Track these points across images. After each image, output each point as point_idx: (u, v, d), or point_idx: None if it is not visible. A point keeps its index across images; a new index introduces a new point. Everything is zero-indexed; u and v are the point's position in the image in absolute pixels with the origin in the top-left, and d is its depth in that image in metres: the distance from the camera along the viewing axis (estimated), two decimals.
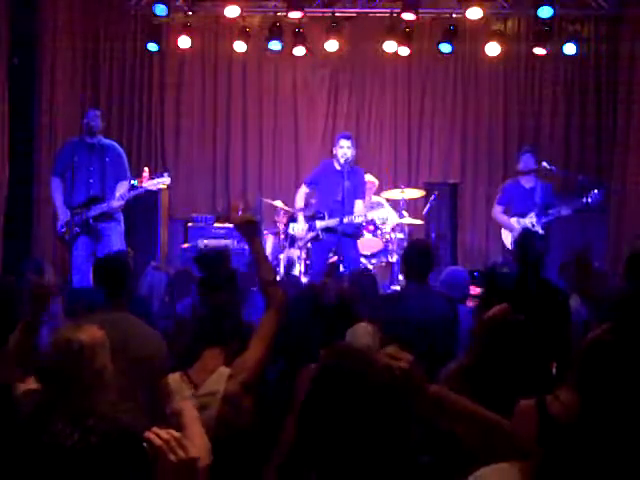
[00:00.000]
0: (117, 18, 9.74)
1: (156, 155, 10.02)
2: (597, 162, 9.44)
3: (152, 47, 9.16)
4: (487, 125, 9.82)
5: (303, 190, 7.31)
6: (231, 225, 8.80)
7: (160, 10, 8.51)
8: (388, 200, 8.52)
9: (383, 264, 8.23)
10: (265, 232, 8.67)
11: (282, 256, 8.13)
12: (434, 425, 1.95)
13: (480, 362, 2.73)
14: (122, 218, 6.90)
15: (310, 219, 7.19)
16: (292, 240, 7.63)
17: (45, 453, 2.03)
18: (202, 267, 4.93)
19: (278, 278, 7.30)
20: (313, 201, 7.38)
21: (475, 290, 6.14)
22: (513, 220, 7.55)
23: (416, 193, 8.85)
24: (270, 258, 8.33)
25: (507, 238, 7.65)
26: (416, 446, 1.56)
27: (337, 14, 9.14)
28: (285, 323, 3.63)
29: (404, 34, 8.82)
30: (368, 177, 8.10)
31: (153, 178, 6.91)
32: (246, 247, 7.00)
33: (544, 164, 7.63)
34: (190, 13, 9.18)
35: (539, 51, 8.95)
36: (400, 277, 7.85)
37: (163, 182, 6.81)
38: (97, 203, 6.66)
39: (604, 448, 1.50)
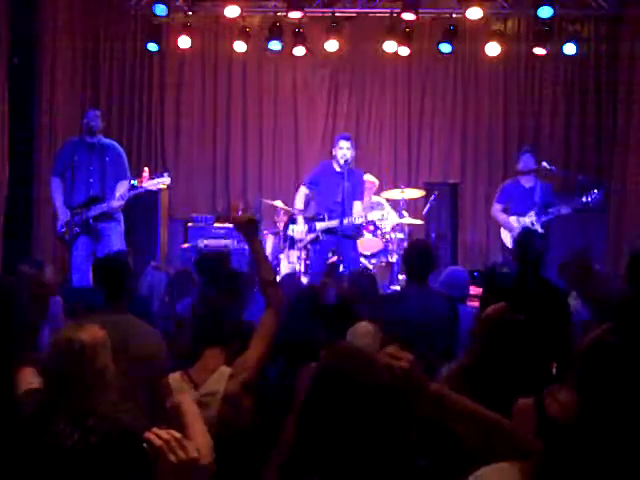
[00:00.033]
0: (117, 18, 9.74)
1: (156, 155, 10.02)
2: (597, 162, 9.44)
3: (152, 47, 9.16)
4: (487, 125, 9.82)
5: (303, 191, 7.30)
6: (231, 225, 8.82)
7: (160, 10, 8.51)
8: (388, 200, 8.51)
9: (383, 264, 8.22)
10: (265, 232, 8.66)
11: (282, 256, 8.13)
12: (434, 425, 1.95)
13: (479, 362, 2.73)
14: (122, 218, 6.90)
15: (310, 220, 7.18)
16: (292, 241, 7.62)
17: (46, 453, 2.03)
18: (202, 271, 4.93)
19: (278, 278, 7.31)
20: (312, 202, 7.37)
21: (475, 290, 6.15)
22: (512, 219, 7.55)
23: (416, 193, 8.85)
24: (270, 258, 8.34)
25: (506, 237, 7.65)
26: (416, 446, 1.56)
27: (337, 14, 9.13)
28: (286, 322, 3.64)
29: (404, 34, 8.82)
30: (368, 177, 8.09)
31: (153, 178, 6.90)
32: (246, 247, 6.99)
33: (544, 164, 7.63)
34: (190, 13, 9.18)
35: (539, 51, 8.95)
36: (400, 277, 7.86)
37: (163, 182, 6.81)
38: (97, 203, 6.65)
39: (603, 448, 1.50)
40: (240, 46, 9.26)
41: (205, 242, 8.47)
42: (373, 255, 8.12)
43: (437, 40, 8.97)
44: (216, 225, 8.98)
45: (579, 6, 9.14)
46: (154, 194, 8.73)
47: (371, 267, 7.87)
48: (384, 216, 7.24)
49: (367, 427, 1.47)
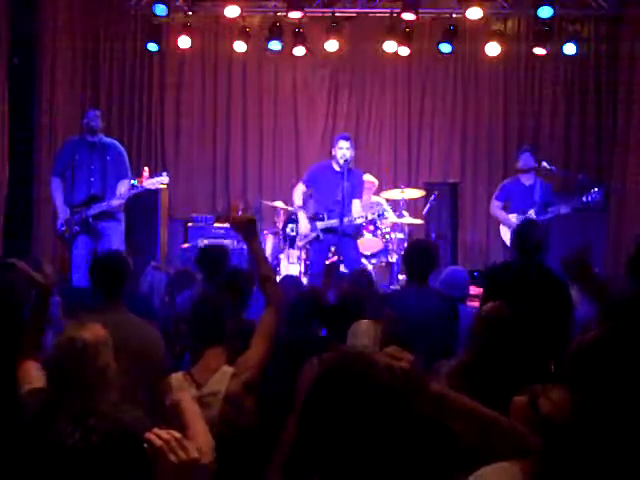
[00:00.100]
0: (117, 18, 9.75)
1: (156, 155, 10.03)
2: (597, 162, 9.45)
3: (152, 47, 9.16)
4: (487, 125, 9.82)
5: (300, 188, 7.27)
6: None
7: (160, 10, 8.51)
8: (388, 200, 8.51)
9: (383, 264, 8.23)
10: (265, 232, 8.67)
11: (282, 256, 8.13)
12: (435, 424, 1.95)
13: (478, 360, 2.74)
14: (124, 218, 6.89)
15: (310, 220, 7.17)
16: (292, 240, 7.62)
17: (48, 452, 2.03)
18: (203, 266, 4.93)
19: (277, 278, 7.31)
20: (311, 201, 7.36)
21: (475, 290, 6.15)
22: (512, 216, 7.56)
23: (416, 193, 8.85)
24: (270, 258, 8.34)
25: (506, 235, 7.65)
26: (416, 446, 1.56)
27: (337, 14, 9.14)
28: (286, 322, 3.64)
29: (404, 34, 8.82)
30: (367, 177, 8.09)
31: (152, 177, 6.90)
32: (246, 247, 6.99)
33: (544, 164, 7.64)
34: (190, 13, 9.18)
35: (539, 51, 8.95)
36: (400, 277, 7.86)
37: (161, 181, 6.80)
38: (97, 202, 6.65)
39: (598, 447, 1.51)
40: (240, 46, 9.26)
41: (205, 242, 8.46)
42: (373, 255, 8.11)
43: (437, 40, 8.97)
44: (216, 225, 8.99)
45: (579, 6, 9.14)
46: (154, 194, 8.74)
47: (371, 267, 7.87)
48: (383, 210, 7.22)
49: (367, 427, 1.48)
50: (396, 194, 8.54)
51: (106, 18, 9.68)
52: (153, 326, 3.74)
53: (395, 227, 8.30)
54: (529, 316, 3.70)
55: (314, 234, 7.10)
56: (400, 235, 8.27)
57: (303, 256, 7.82)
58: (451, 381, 2.53)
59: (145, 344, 3.52)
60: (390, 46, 8.91)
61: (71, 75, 9.01)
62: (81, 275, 6.45)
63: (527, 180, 7.60)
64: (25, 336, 2.98)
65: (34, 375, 2.71)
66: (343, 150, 6.86)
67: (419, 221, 8.59)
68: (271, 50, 9.13)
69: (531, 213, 7.44)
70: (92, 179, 6.75)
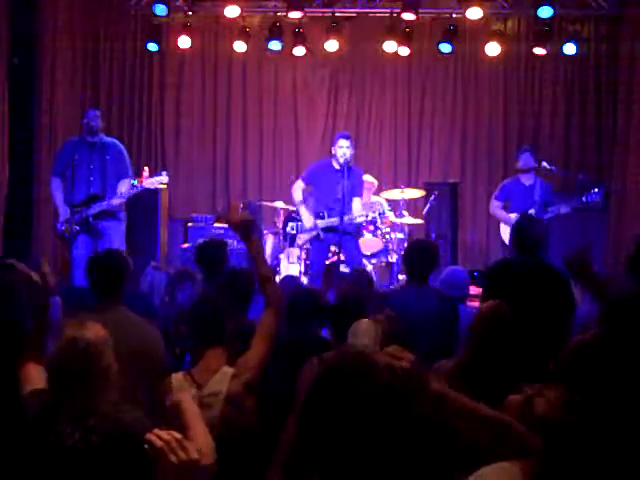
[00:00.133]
0: (117, 18, 9.74)
1: (156, 155, 10.03)
2: (597, 162, 9.45)
3: (152, 47, 9.16)
4: (487, 125, 9.82)
5: (299, 185, 7.26)
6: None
7: (160, 10, 8.51)
8: (388, 200, 8.51)
9: (383, 264, 8.23)
10: (265, 232, 8.67)
11: (282, 256, 8.13)
12: (434, 424, 1.95)
13: (476, 359, 2.74)
14: (125, 217, 6.89)
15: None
16: (292, 239, 7.60)
17: (50, 453, 2.03)
18: (202, 261, 4.92)
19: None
20: (311, 199, 7.34)
21: (475, 290, 6.15)
22: (512, 216, 7.55)
23: (416, 193, 8.85)
24: (270, 258, 8.34)
25: (506, 234, 7.65)
26: (416, 446, 1.56)
27: (337, 14, 9.13)
28: (286, 322, 3.64)
29: (404, 34, 8.82)
30: (367, 177, 8.09)
31: (152, 177, 6.90)
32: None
33: (544, 164, 7.64)
34: (190, 13, 9.18)
35: (539, 51, 8.95)
36: (400, 277, 7.86)
37: (161, 181, 6.80)
38: (97, 201, 6.65)
39: (597, 447, 1.51)
40: (240, 46, 9.26)
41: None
42: (373, 255, 8.11)
43: (437, 40, 8.97)
44: (216, 225, 8.99)
45: (579, 6, 9.14)
46: (154, 194, 8.73)
47: (371, 267, 7.87)
48: (384, 210, 7.21)
49: (368, 427, 1.48)
50: (396, 194, 8.54)
51: (106, 18, 9.68)
52: (153, 325, 3.73)
53: (395, 227, 8.30)
54: (530, 314, 3.70)
55: (315, 232, 7.10)
56: (400, 235, 8.27)
57: (303, 256, 7.81)
58: (450, 381, 2.53)
59: (144, 343, 3.51)
60: (390, 46, 8.91)
61: (71, 75, 9.01)
62: (81, 275, 6.42)
63: (527, 180, 7.60)
64: (27, 338, 2.95)
65: (36, 377, 2.69)
66: (343, 149, 6.85)
67: (419, 221, 8.59)
68: (271, 50, 9.13)
69: (531, 213, 7.44)
70: (92, 178, 6.74)
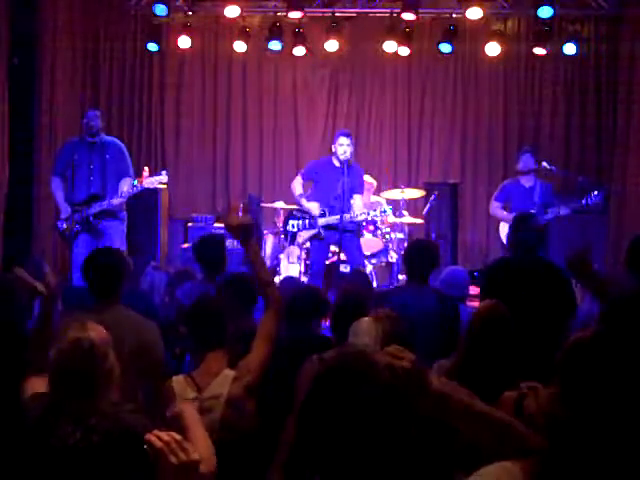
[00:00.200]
0: (117, 18, 9.74)
1: (156, 155, 10.02)
2: (597, 163, 9.44)
3: (152, 47, 9.16)
4: (487, 125, 9.82)
5: (298, 181, 7.26)
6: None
7: (160, 10, 8.51)
8: (388, 200, 8.51)
9: (383, 264, 8.23)
10: (265, 232, 8.67)
11: (282, 256, 8.13)
12: (435, 424, 1.95)
13: (472, 358, 2.74)
14: (126, 217, 6.89)
15: (311, 217, 7.16)
16: (292, 237, 7.59)
17: (51, 453, 2.03)
18: (201, 258, 4.91)
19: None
20: (309, 196, 7.34)
21: (475, 290, 6.15)
22: (511, 217, 7.54)
23: (416, 193, 8.85)
24: (270, 258, 8.34)
25: (504, 232, 7.64)
26: (416, 445, 1.55)
27: (337, 14, 9.13)
28: (286, 322, 3.63)
29: (404, 34, 8.82)
30: (366, 178, 8.08)
31: (152, 177, 6.89)
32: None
33: (544, 164, 7.63)
34: (190, 13, 9.18)
35: (539, 51, 8.95)
36: (400, 277, 7.86)
37: (161, 180, 6.79)
38: (97, 201, 6.64)
39: (594, 446, 1.51)
40: (240, 46, 9.26)
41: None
42: (373, 255, 8.11)
43: (437, 40, 8.97)
44: (216, 225, 8.99)
45: (579, 6, 9.14)
46: (154, 194, 8.74)
47: (371, 267, 7.87)
48: (384, 210, 7.21)
49: (368, 427, 1.47)
50: (396, 194, 8.54)
51: (106, 18, 9.68)
52: (152, 322, 3.70)
53: (395, 227, 8.30)
54: (530, 312, 3.70)
55: (315, 230, 7.10)
56: (400, 235, 8.27)
57: (303, 256, 7.81)
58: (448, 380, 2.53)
59: (143, 343, 3.49)
60: (390, 46, 8.91)
61: (71, 75, 9.01)
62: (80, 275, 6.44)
63: (527, 182, 7.59)
64: (30, 349, 2.89)
65: (37, 388, 2.65)
66: (344, 147, 6.86)
67: (419, 221, 8.59)
68: (271, 50, 9.13)
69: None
70: (92, 178, 6.73)
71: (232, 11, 8.85)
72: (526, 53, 9.39)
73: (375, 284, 7.50)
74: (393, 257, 8.11)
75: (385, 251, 8.17)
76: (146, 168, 7.45)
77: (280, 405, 3.21)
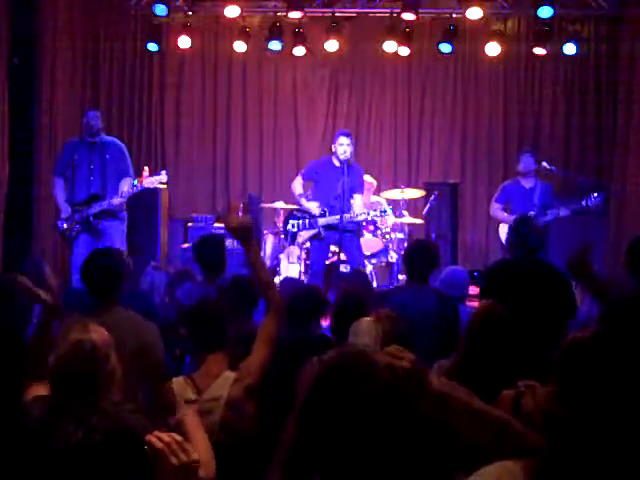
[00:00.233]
0: (117, 18, 9.74)
1: (156, 155, 10.02)
2: (597, 163, 9.44)
3: (152, 47, 9.16)
4: (487, 125, 9.82)
5: (299, 181, 7.28)
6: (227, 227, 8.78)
7: (160, 10, 8.51)
8: (388, 200, 8.51)
9: (383, 264, 8.23)
10: (265, 232, 8.67)
11: (282, 256, 8.13)
12: (435, 423, 1.95)
13: (470, 358, 2.74)
14: (126, 217, 6.89)
15: (311, 217, 7.16)
16: (292, 237, 7.60)
17: (54, 453, 2.02)
18: (201, 257, 4.91)
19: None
20: (309, 195, 7.35)
21: (475, 290, 6.15)
22: (512, 219, 7.54)
23: (416, 193, 8.86)
24: (270, 258, 8.34)
25: (504, 233, 7.64)
26: (416, 445, 1.56)
27: (337, 14, 9.13)
28: (286, 322, 3.63)
29: (404, 34, 8.82)
30: (366, 178, 8.09)
31: (151, 176, 6.90)
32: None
33: (544, 164, 7.64)
34: (190, 13, 9.18)
35: (539, 51, 8.95)
36: (400, 277, 7.86)
37: (160, 180, 6.80)
38: (98, 201, 6.65)
39: (591, 445, 1.51)
40: (240, 46, 9.26)
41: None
42: (373, 255, 8.11)
43: (437, 40, 8.96)
44: (216, 225, 8.99)
45: (579, 6, 9.14)
46: (154, 194, 8.74)
47: (371, 267, 7.87)
48: (384, 211, 7.21)
49: (368, 427, 1.47)
50: (396, 194, 8.54)
51: (106, 18, 9.68)
52: (151, 324, 3.69)
53: (395, 227, 8.30)
54: (530, 314, 3.69)
55: (315, 230, 7.10)
56: (400, 235, 8.27)
57: (303, 256, 7.81)
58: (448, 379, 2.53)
59: (143, 344, 3.49)
60: (390, 46, 8.91)
61: (71, 75, 9.00)
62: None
63: (527, 183, 7.59)
64: (30, 356, 2.87)
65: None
66: (344, 146, 6.86)
67: (419, 221, 8.59)
68: (271, 50, 9.13)
69: (530, 215, 7.43)
70: (92, 178, 6.74)
71: (232, 11, 8.85)
72: (526, 53, 9.38)
73: (375, 284, 7.51)
74: (393, 257, 8.11)
75: (385, 251, 8.17)
76: (146, 168, 7.45)
77: (280, 406, 3.21)
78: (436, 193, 8.63)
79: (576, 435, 1.53)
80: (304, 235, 7.27)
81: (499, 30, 8.95)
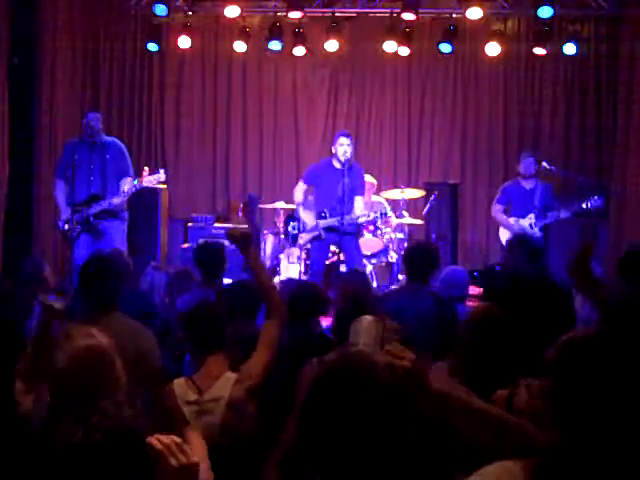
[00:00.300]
0: (117, 18, 9.74)
1: (156, 155, 10.02)
2: (597, 163, 9.43)
3: (152, 47, 9.16)
4: (487, 125, 9.82)
5: (301, 187, 7.28)
6: (230, 225, 8.82)
7: (160, 10, 8.51)
8: (388, 200, 8.51)
9: (383, 264, 8.23)
10: (265, 232, 8.67)
11: (282, 256, 8.13)
12: (435, 423, 1.95)
13: (466, 360, 2.74)
14: (127, 217, 6.89)
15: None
16: (293, 239, 7.60)
17: (54, 456, 2.02)
18: (202, 263, 4.92)
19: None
20: (311, 198, 7.35)
21: (475, 290, 6.15)
22: (512, 220, 7.55)
23: (416, 193, 8.86)
24: (270, 258, 8.35)
25: (505, 237, 7.65)
26: (416, 445, 1.56)
27: (337, 14, 9.13)
28: (288, 323, 3.63)
29: (404, 34, 8.82)
30: (366, 178, 8.08)
31: (150, 175, 6.90)
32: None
33: (544, 164, 7.64)
34: (190, 13, 9.18)
35: (539, 51, 8.95)
36: (400, 277, 7.86)
37: (158, 179, 6.81)
38: (98, 201, 6.65)
39: (588, 445, 1.51)
40: (240, 46, 9.26)
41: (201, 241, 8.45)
42: (373, 255, 8.11)
43: (437, 40, 8.96)
44: (216, 225, 8.99)
45: (579, 6, 9.14)
46: (154, 194, 8.74)
47: (371, 267, 7.87)
48: (385, 210, 7.21)
49: (368, 427, 1.48)
50: (396, 194, 8.54)
51: (106, 18, 9.68)
52: (148, 329, 3.68)
53: (395, 227, 8.30)
54: (525, 323, 3.68)
55: (316, 232, 7.10)
56: (400, 235, 8.27)
57: (303, 256, 7.81)
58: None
59: (140, 352, 3.46)
60: (390, 46, 8.91)
61: (71, 75, 9.01)
62: None
63: (528, 184, 7.60)
64: (30, 357, 2.82)
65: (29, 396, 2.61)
66: (344, 147, 6.86)
67: (419, 221, 8.59)
68: (271, 50, 9.13)
69: (531, 217, 7.45)
70: (92, 178, 6.74)
71: (232, 11, 8.85)
72: (526, 53, 9.38)
73: (375, 284, 7.51)
74: (393, 257, 8.11)
75: (385, 251, 8.17)
76: (146, 168, 7.46)
77: (281, 406, 3.21)
78: (436, 193, 8.62)
79: (572, 433, 1.53)
80: (305, 237, 7.28)
81: (499, 30, 8.95)
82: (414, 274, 4.44)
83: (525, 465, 1.57)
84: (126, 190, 6.64)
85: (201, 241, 6.60)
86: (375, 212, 7.07)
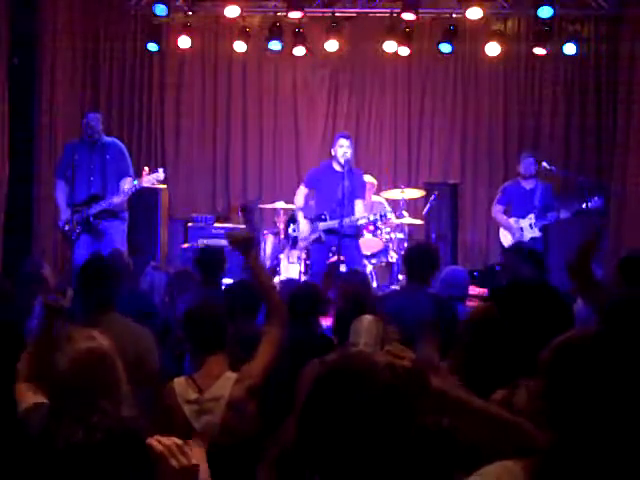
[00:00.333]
0: (117, 18, 9.74)
1: (156, 155, 10.02)
2: (597, 163, 9.43)
3: (152, 47, 9.16)
4: (487, 125, 9.81)
5: (302, 191, 7.29)
6: (230, 225, 8.83)
7: (160, 10, 8.51)
8: (388, 200, 8.51)
9: (383, 264, 8.23)
10: (265, 232, 8.67)
11: (282, 256, 8.13)
12: (435, 423, 1.95)
13: (465, 361, 2.74)
14: (127, 217, 6.90)
15: (311, 221, 7.17)
16: (294, 240, 7.61)
17: (55, 455, 2.02)
18: (201, 267, 4.93)
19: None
20: (312, 202, 7.36)
21: (475, 290, 6.15)
22: (512, 220, 7.56)
23: (416, 193, 8.86)
24: (270, 258, 8.35)
25: (505, 238, 7.65)
26: (416, 445, 1.56)
27: (337, 14, 9.13)
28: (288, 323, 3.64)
29: (404, 34, 8.82)
30: (367, 178, 8.09)
31: (149, 175, 6.90)
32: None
33: (544, 164, 7.64)
34: (190, 13, 9.18)
35: (539, 51, 8.95)
36: (400, 277, 7.86)
37: (157, 178, 6.81)
38: (98, 201, 6.65)
39: (583, 444, 1.51)
40: (240, 46, 9.26)
41: (205, 242, 8.46)
42: (373, 255, 8.11)
43: (437, 40, 8.96)
44: (216, 225, 8.99)
45: (579, 6, 9.14)
46: (154, 194, 8.74)
47: (371, 267, 7.87)
48: (385, 211, 7.21)
49: (369, 426, 1.48)
50: (396, 194, 8.54)
51: (106, 18, 9.68)
52: (147, 330, 3.68)
53: (395, 227, 8.30)
54: (525, 324, 3.68)
55: (315, 235, 7.10)
56: (400, 235, 8.27)
57: (303, 256, 7.81)
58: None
59: (139, 354, 3.46)
60: (390, 46, 8.91)
61: (71, 75, 9.01)
62: None
63: (528, 184, 7.60)
64: (31, 357, 2.83)
65: (30, 396, 2.60)
66: (344, 148, 6.86)
67: (419, 221, 8.59)
68: (271, 50, 9.13)
69: (531, 217, 7.45)
70: (92, 178, 6.75)
71: (232, 11, 8.85)
72: (526, 53, 9.38)
73: (375, 284, 7.51)
74: (393, 257, 8.11)
75: (385, 251, 8.17)
76: (146, 168, 7.46)
77: (281, 406, 3.21)
78: (436, 193, 8.62)
79: (566, 434, 1.53)
80: (304, 242, 7.29)
81: (499, 30, 8.95)
82: (414, 274, 4.44)
83: (525, 465, 1.57)
84: (126, 190, 6.64)
85: (202, 245, 6.62)
86: (375, 214, 7.07)
